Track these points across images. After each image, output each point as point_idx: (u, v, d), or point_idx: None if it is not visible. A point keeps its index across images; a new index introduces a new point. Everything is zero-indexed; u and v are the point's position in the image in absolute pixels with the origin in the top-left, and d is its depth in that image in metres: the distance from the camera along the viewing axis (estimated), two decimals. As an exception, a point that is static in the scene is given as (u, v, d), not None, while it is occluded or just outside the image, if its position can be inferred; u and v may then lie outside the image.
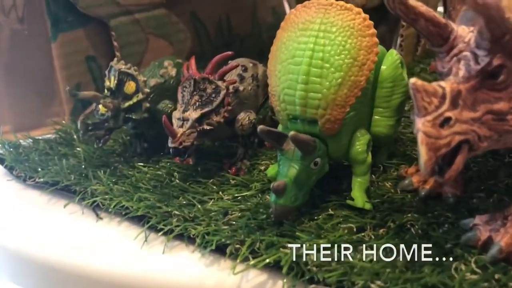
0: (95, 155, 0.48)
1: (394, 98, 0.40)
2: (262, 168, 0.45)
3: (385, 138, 0.41)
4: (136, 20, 0.62)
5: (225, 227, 0.37)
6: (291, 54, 0.36)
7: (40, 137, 0.54)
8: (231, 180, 0.43)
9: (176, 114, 0.41)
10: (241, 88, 0.44)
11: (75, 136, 0.52)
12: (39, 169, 0.47)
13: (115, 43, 0.61)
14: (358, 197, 0.37)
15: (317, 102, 0.35)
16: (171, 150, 0.41)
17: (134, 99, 0.45)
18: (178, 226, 0.38)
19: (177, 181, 0.43)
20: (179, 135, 0.40)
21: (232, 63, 0.45)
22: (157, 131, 0.48)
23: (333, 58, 0.35)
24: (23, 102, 0.57)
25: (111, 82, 0.45)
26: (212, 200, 0.41)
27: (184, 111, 0.41)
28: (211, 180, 0.44)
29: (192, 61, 0.43)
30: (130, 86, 0.45)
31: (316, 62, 0.35)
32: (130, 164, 0.47)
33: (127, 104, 0.45)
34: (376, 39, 0.36)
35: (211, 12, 0.71)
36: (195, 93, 0.42)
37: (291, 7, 0.75)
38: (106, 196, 0.42)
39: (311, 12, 0.36)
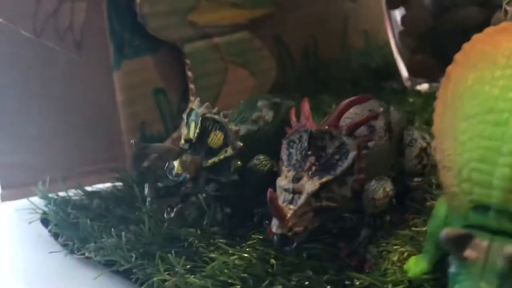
0: (163, 224, 0.36)
1: None
2: (395, 258, 0.32)
3: None
4: (215, 45, 0.51)
5: None
6: (486, 107, 0.22)
7: (94, 189, 0.43)
8: (354, 280, 0.30)
9: (282, 183, 0.29)
10: (370, 144, 0.31)
11: (137, 191, 0.41)
12: (91, 240, 0.36)
13: (189, 73, 0.49)
14: None
15: (533, 187, 0.21)
16: (275, 238, 0.28)
17: (221, 156, 0.33)
18: None
19: (276, 275, 0.30)
20: (288, 216, 0.27)
21: (350, 112, 0.31)
22: (243, 194, 0.36)
23: None
24: (76, 144, 0.47)
25: (190, 131, 0.33)
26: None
27: (295, 179, 0.29)
28: (325, 277, 0.30)
29: (306, 106, 0.30)
30: (216, 138, 0.33)
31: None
32: (208, 240, 0.35)
33: (211, 161, 0.33)
34: None
35: (297, 36, 0.60)
36: (310, 152, 0.29)
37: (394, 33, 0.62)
38: (180, 295, 0.30)
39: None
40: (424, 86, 0.60)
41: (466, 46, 0.25)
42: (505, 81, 0.22)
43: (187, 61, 0.49)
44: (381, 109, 0.33)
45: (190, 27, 0.49)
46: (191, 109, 0.34)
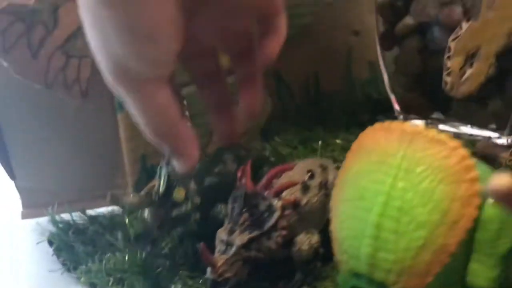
0: (141, 255, 0.43)
1: (500, 243, 0.30)
2: (326, 299, 0.37)
3: None
4: (210, 87, 0.57)
5: None
6: (359, 194, 0.28)
7: (96, 213, 0.51)
8: (284, 318, 0.36)
9: (221, 234, 0.35)
10: (304, 201, 0.36)
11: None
12: (82, 263, 0.43)
13: (186, 113, 0.56)
14: None
15: (388, 265, 0.26)
16: (208, 282, 0.34)
17: (182, 209, 0.39)
18: None
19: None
20: (219, 264, 0.33)
21: (294, 170, 0.37)
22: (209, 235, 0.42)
23: (415, 210, 0.26)
24: (85, 172, 0.55)
25: (160, 186, 0.40)
26: None
27: (230, 232, 0.35)
28: (262, 312, 0.36)
29: (248, 169, 0.36)
30: (179, 193, 0.39)
31: (392, 212, 0.26)
32: (174, 270, 0.41)
33: (174, 214, 0.39)
34: (476, 187, 0.26)
35: (298, 70, 0.64)
36: (245, 209, 0.35)
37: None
38: (138, 320, 0.37)
39: (392, 140, 0.28)
40: (417, 123, 0.63)
41: (360, 136, 0.30)
42: (374, 175, 0.27)
43: (184, 102, 0.55)
44: (319, 169, 0.38)
45: (187, 74, 0.55)
46: (161, 166, 0.41)
